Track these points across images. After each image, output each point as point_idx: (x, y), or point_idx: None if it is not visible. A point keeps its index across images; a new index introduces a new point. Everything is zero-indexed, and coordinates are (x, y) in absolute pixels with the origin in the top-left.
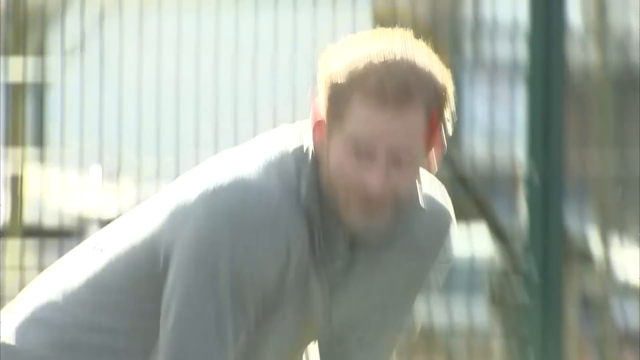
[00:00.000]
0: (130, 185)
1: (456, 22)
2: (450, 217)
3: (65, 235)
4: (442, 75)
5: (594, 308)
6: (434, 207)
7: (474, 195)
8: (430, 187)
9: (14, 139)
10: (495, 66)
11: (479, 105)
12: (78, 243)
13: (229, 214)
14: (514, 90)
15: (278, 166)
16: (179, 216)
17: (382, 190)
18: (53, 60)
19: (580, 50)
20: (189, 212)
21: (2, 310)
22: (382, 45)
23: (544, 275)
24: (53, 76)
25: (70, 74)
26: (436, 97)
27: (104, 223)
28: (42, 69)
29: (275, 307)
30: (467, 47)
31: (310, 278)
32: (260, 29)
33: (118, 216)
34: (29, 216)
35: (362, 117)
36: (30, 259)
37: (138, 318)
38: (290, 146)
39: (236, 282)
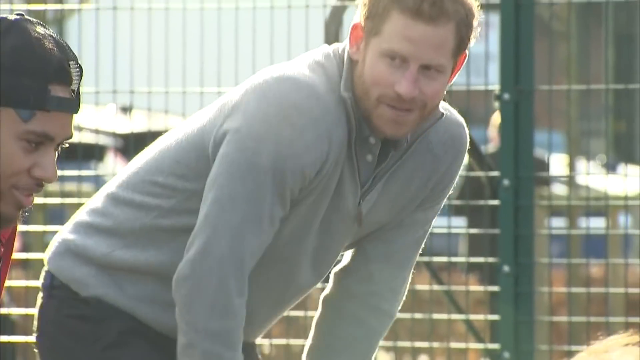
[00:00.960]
0: (141, 117)
1: None
2: (463, 127)
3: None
4: (472, 3)
5: (564, 220)
6: (449, 116)
7: None
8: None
9: None
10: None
11: None
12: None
13: (277, 106)
14: (488, 29)
15: (322, 63)
16: (230, 103)
17: (411, 93)
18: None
19: None
20: (240, 99)
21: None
22: None
23: (515, 191)
24: (71, 21)
25: (86, 17)
26: (466, 19)
27: (119, 140)
28: (61, 14)
29: (309, 194)
30: None
31: (344, 170)
32: None
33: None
34: None
35: (399, 29)
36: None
37: (182, 198)
38: (331, 47)
39: (278, 172)
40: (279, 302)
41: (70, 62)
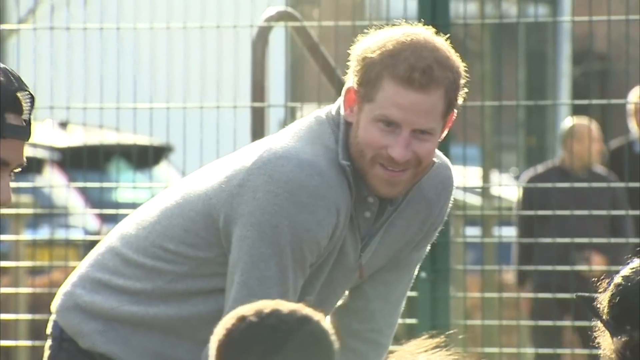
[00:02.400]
0: (78, 131)
1: None
2: (450, 169)
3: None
4: (459, 65)
5: (478, 229)
6: (438, 160)
7: None
8: None
9: None
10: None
11: None
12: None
13: (285, 188)
14: None
15: (317, 132)
16: (235, 179)
17: (404, 157)
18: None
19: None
20: (246, 178)
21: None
22: (408, 31)
23: None
24: (10, 41)
25: (25, 37)
26: (454, 83)
27: (56, 153)
28: (0, 35)
29: (320, 257)
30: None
31: (345, 229)
32: None
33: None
34: None
35: (391, 96)
36: None
37: (194, 264)
38: (324, 111)
39: (297, 251)
40: None
41: (23, 93)
